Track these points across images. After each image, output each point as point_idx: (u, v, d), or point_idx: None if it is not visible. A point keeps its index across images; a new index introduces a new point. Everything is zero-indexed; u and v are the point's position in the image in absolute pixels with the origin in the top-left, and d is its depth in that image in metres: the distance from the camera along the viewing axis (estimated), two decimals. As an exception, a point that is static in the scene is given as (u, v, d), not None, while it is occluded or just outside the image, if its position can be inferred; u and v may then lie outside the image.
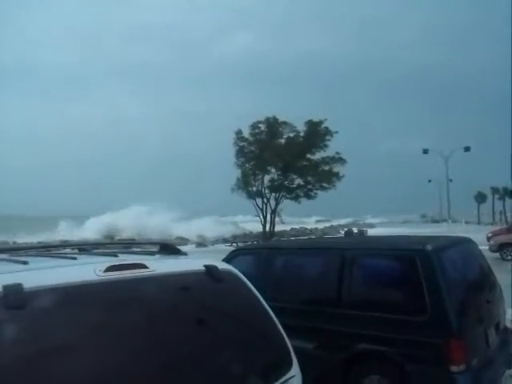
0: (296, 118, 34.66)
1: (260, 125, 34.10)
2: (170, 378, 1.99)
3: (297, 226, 67.52)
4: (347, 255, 5.00)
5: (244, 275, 2.77)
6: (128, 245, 2.98)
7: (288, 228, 59.28)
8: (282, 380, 2.42)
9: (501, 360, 4.99)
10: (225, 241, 39.26)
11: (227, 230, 48.58)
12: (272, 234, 35.49)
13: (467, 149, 45.74)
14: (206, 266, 2.41)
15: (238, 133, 34.57)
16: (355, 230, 33.63)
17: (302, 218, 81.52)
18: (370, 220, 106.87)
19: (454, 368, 4.09)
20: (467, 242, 5.74)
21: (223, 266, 2.58)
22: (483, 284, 5.39)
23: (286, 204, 36.09)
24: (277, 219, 36.66)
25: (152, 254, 2.68)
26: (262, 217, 35.71)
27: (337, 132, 33.34)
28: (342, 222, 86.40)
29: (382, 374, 4.55)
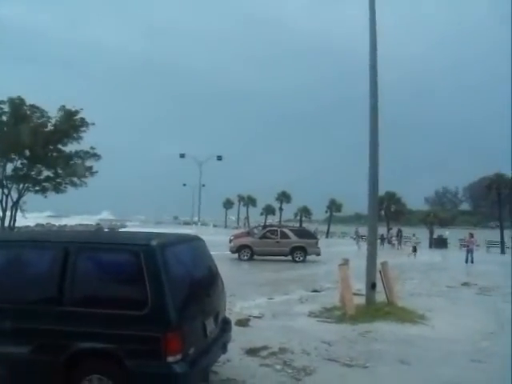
0: (57, 105, 31.64)
1: (2, 105, 30.24)
2: None
3: (43, 222, 62.81)
4: (71, 249, 4.72)
5: None
6: None
7: (33, 224, 54.48)
8: None
9: (217, 347, 5.43)
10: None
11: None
12: (12, 229, 31.87)
13: (219, 158, 49.23)
14: None
15: None
16: (106, 230, 32.67)
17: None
18: (123, 219, 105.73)
19: (170, 358, 4.26)
20: (195, 239, 6.06)
21: None
22: (206, 279, 5.76)
23: (38, 199, 33.00)
24: (20, 214, 33.13)
25: None
26: (0, 210, 31.83)
27: (93, 124, 31.80)
28: (94, 219, 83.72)
29: (103, 372, 4.45)
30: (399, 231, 39.93)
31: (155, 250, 4.55)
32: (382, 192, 43.06)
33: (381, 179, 11.06)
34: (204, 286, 5.55)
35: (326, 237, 57.63)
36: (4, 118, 30.52)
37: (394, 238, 40.12)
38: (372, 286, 10.30)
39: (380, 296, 10.60)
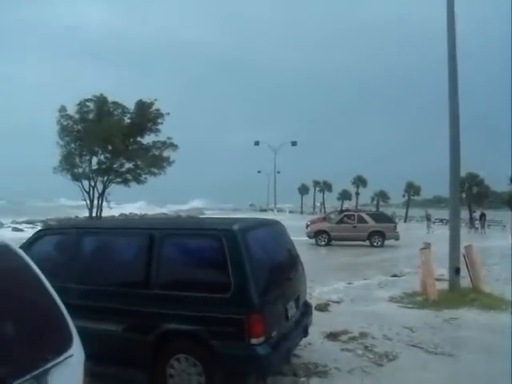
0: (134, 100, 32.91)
1: (88, 103, 32.00)
2: None
3: (126, 212, 65.95)
4: (156, 235, 4.97)
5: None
6: None
7: (117, 213, 57.38)
8: (58, 360, 2.35)
9: (299, 330, 5.51)
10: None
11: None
12: (99, 219, 33.82)
13: (294, 143, 49.11)
14: None
15: (62, 110, 31.87)
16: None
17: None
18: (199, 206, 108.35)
19: (253, 341, 4.38)
20: (275, 224, 6.13)
21: None
22: (286, 262, 5.83)
23: (120, 189, 34.70)
24: (105, 204, 35.06)
25: None
26: (88, 201, 33.85)
27: (168, 113, 32.69)
28: (174, 208, 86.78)
29: (189, 352, 4.65)
30: (483, 215, 38.02)
31: (237, 234, 4.67)
32: (463, 173, 41.05)
33: (462, 159, 10.53)
34: (285, 269, 5.63)
35: (405, 221, 55.97)
36: (90, 115, 32.23)
37: (477, 222, 38.32)
38: (456, 271, 9.92)
39: (463, 281, 10.18)
